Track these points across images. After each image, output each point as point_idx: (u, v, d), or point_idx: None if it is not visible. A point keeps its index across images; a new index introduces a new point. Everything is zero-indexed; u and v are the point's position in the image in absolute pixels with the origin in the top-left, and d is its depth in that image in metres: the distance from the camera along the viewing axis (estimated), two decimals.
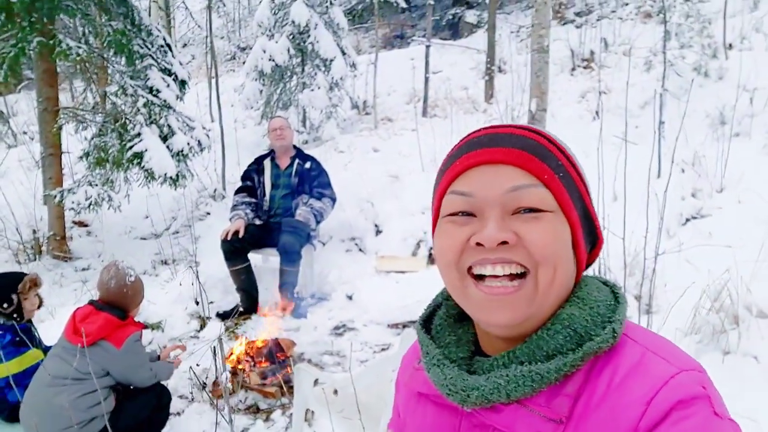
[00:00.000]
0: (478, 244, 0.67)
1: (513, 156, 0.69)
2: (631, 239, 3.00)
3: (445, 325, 0.80)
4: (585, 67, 8.10)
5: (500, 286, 0.67)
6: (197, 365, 3.55)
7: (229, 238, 4.29)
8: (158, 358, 3.04)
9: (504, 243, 0.66)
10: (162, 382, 2.89)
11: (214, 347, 2.88)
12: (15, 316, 2.93)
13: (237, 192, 4.70)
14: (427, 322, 0.84)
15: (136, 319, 2.88)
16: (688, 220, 4.12)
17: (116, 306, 2.72)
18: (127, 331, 2.68)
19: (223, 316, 4.39)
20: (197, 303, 4.42)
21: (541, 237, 0.66)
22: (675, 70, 5.90)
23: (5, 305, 2.90)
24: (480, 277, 0.68)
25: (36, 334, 3.08)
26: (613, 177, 3.52)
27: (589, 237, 0.74)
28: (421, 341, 0.80)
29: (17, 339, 2.87)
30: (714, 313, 2.82)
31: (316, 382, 2.44)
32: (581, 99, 7.10)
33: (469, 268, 0.69)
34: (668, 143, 4.57)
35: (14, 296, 2.92)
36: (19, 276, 3.01)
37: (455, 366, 0.72)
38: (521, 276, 0.67)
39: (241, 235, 4.31)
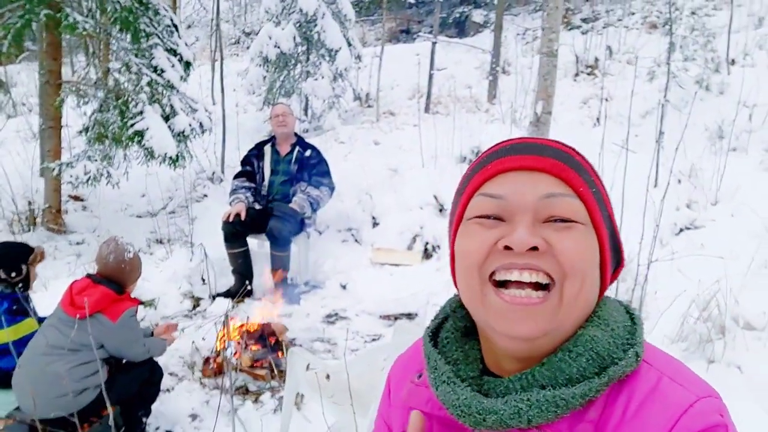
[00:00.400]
0: (506, 247, 0.64)
1: (549, 164, 0.67)
2: (625, 246, 3.04)
3: (453, 339, 0.77)
4: (588, 74, 8.15)
5: (524, 296, 0.64)
6: (203, 339, 3.59)
7: (231, 221, 4.30)
8: (152, 334, 3.07)
9: (534, 249, 0.63)
10: (154, 359, 2.92)
11: (221, 323, 2.92)
12: (20, 285, 2.97)
13: (236, 177, 4.72)
14: (434, 335, 0.80)
15: (132, 295, 2.90)
16: (681, 230, 4.18)
17: (113, 281, 2.74)
18: (123, 306, 2.70)
19: (216, 296, 4.42)
20: (204, 281, 4.44)
21: (572, 247, 0.64)
22: (678, 81, 5.96)
23: (14, 274, 2.93)
24: (502, 284, 0.65)
25: (32, 304, 3.10)
26: (611, 184, 3.56)
27: (614, 257, 0.72)
28: (428, 354, 0.75)
29: (14, 307, 2.89)
30: (702, 322, 2.87)
31: (308, 366, 2.47)
32: (583, 105, 7.15)
33: (491, 275, 0.66)
34: (666, 153, 4.62)
35: (24, 266, 2.96)
36: (26, 247, 3.05)
37: (467, 386, 0.68)
38: (545, 288, 0.64)
39: (243, 217, 4.33)
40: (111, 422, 1.67)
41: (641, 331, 0.68)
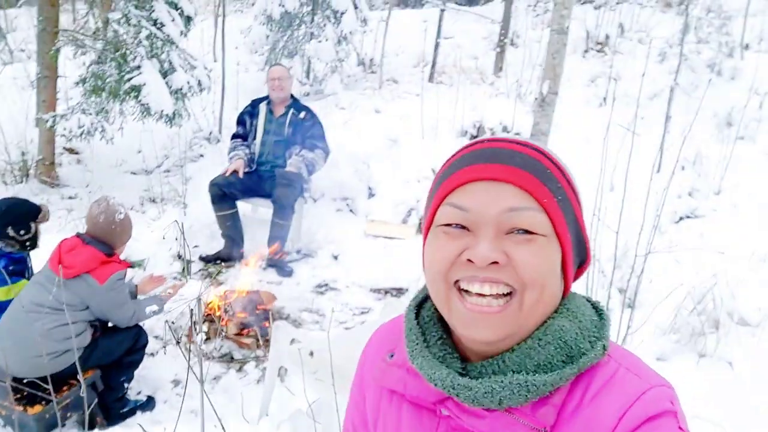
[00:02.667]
0: (469, 260, 0.67)
1: (514, 175, 0.68)
2: (623, 233, 2.98)
3: (434, 318, 0.79)
4: (598, 51, 7.97)
5: (485, 305, 0.67)
6: (173, 322, 3.53)
7: (228, 175, 4.27)
8: (135, 289, 3.03)
9: (494, 263, 0.66)
10: (140, 325, 2.88)
11: (192, 308, 2.87)
12: (28, 244, 2.93)
13: (233, 138, 4.63)
14: (417, 311, 0.82)
15: (121, 257, 2.85)
16: (681, 218, 4.11)
17: (103, 241, 2.70)
18: (112, 268, 2.67)
19: (206, 260, 4.38)
20: (180, 257, 4.35)
21: (530, 260, 0.66)
22: (689, 64, 5.81)
23: (22, 232, 2.88)
24: (465, 291, 0.69)
25: (30, 264, 3.05)
26: (613, 167, 3.48)
27: (578, 256, 0.75)
28: (410, 329, 0.79)
29: (11, 268, 2.85)
30: (695, 315, 2.83)
31: (292, 341, 2.43)
32: (590, 83, 7.00)
33: (456, 281, 0.69)
34: (672, 138, 4.53)
35: (32, 224, 2.92)
36: (34, 205, 3.00)
37: (444, 366, 0.72)
38: (507, 295, 0.67)
39: (241, 175, 4.26)
40: (83, 390, 1.62)
41: (608, 326, 0.72)
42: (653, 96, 6.07)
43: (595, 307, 0.76)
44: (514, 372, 0.67)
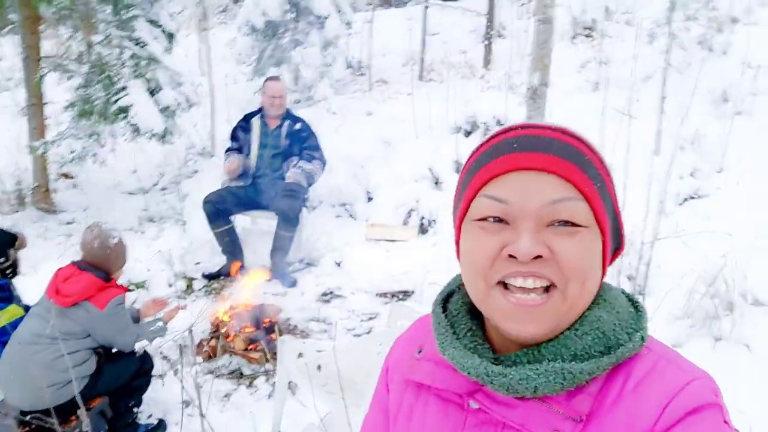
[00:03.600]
0: (510, 256, 0.64)
1: (555, 164, 0.65)
2: (627, 218, 2.94)
3: (462, 312, 0.77)
4: (586, 36, 7.91)
5: (529, 299, 0.65)
6: (189, 332, 3.49)
7: (231, 171, 4.30)
8: (138, 313, 2.99)
9: (538, 257, 0.64)
10: (146, 349, 2.85)
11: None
12: (9, 272, 2.92)
13: (227, 151, 4.59)
14: (443, 306, 0.81)
15: (118, 282, 2.81)
16: (685, 199, 4.06)
17: (99, 267, 2.67)
18: (110, 294, 2.64)
19: (209, 277, 4.34)
20: (183, 276, 4.32)
21: (574, 254, 0.64)
22: (679, 42, 5.75)
23: (2, 260, 2.87)
24: (507, 287, 0.66)
25: (15, 292, 3.02)
26: (612, 152, 3.43)
27: (614, 242, 0.72)
28: (438, 322, 0.77)
29: None
30: (708, 298, 2.78)
31: (299, 355, 2.39)
32: (581, 69, 6.95)
33: (498, 280, 0.67)
34: (668, 118, 4.48)
35: (10, 251, 2.91)
36: (8, 233, 3.00)
37: (476, 355, 0.70)
38: (548, 288, 0.65)
39: (237, 168, 4.30)
40: (86, 424, 1.58)
41: (646, 319, 0.70)
42: (646, 78, 6.01)
43: (631, 300, 0.74)
44: (549, 360, 0.65)
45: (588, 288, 0.66)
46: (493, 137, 0.72)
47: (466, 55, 7.95)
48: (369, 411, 0.92)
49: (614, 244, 0.72)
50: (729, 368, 2.50)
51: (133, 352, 2.77)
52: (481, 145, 0.72)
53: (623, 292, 0.75)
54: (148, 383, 2.85)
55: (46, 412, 2.50)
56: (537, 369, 0.64)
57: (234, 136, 4.57)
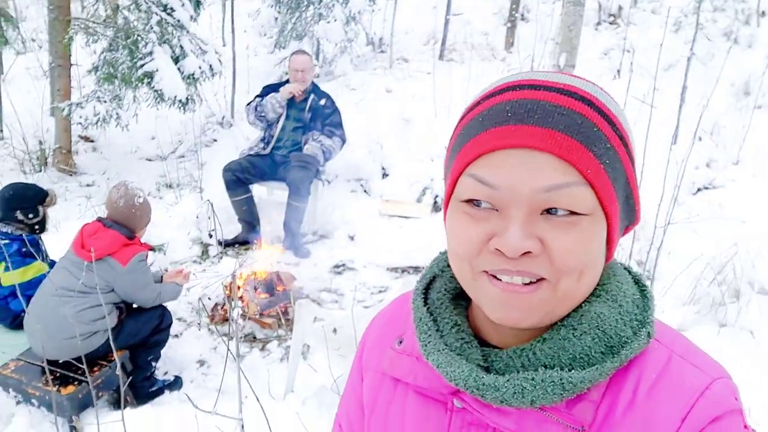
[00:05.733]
0: (497, 249, 0.56)
1: (553, 142, 0.54)
2: (641, 205, 2.97)
3: (445, 300, 0.71)
4: (611, 23, 7.86)
5: (518, 283, 0.57)
6: (208, 298, 3.59)
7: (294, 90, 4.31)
8: (161, 279, 3.07)
9: (527, 253, 0.56)
10: (165, 305, 2.93)
11: (227, 284, 2.91)
12: (37, 228, 3.00)
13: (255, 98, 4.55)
14: (424, 295, 0.73)
15: (141, 240, 2.90)
16: (699, 189, 4.08)
17: (124, 225, 2.76)
18: (133, 250, 2.72)
19: (225, 244, 4.42)
20: (210, 236, 4.41)
21: (570, 249, 0.56)
22: (705, 33, 5.72)
23: (30, 215, 2.95)
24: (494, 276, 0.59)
25: (43, 247, 3.11)
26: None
27: (626, 219, 0.63)
28: (419, 317, 0.69)
29: (24, 249, 2.90)
30: (716, 285, 2.82)
31: (315, 319, 2.47)
32: (604, 56, 6.92)
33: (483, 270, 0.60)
34: (688, 108, 4.48)
35: (40, 208, 2.99)
36: (41, 189, 3.06)
37: (463, 359, 0.63)
38: (539, 279, 0.58)
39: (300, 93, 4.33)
40: (117, 366, 1.67)
41: (652, 308, 0.63)
42: (669, 67, 5.99)
43: (637, 281, 0.66)
44: (546, 366, 0.59)
45: (585, 280, 0.59)
46: (486, 96, 0.61)
47: (488, 37, 7.93)
48: (344, 392, 0.85)
49: (626, 220, 0.64)
50: (732, 354, 2.55)
51: (152, 309, 2.87)
52: (475, 105, 0.62)
53: (629, 271, 0.69)
54: (166, 339, 2.95)
55: (68, 363, 2.60)
56: (533, 380, 0.58)
57: (262, 95, 4.54)
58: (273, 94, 4.39)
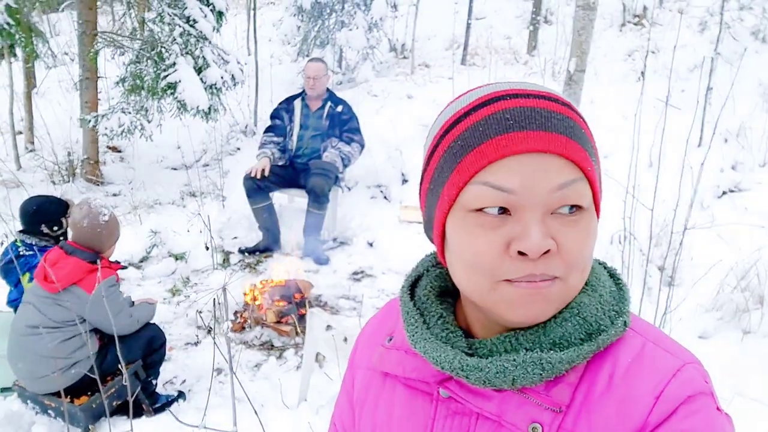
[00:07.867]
0: (520, 252, 0.57)
1: (559, 145, 0.58)
2: (662, 209, 2.91)
3: (431, 296, 0.73)
4: (636, 24, 7.74)
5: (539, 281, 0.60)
6: (203, 311, 3.61)
7: (256, 176, 4.30)
8: (132, 303, 2.87)
9: (546, 252, 0.58)
10: (155, 324, 2.85)
11: (217, 297, 2.89)
12: (62, 239, 3.03)
13: (265, 131, 4.69)
14: (411, 292, 0.76)
15: (111, 260, 2.75)
16: (724, 192, 3.98)
17: (88, 248, 2.59)
18: (102, 275, 2.51)
19: (245, 252, 4.47)
20: (207, 248, 4.42)
21: (577, 244, 0.59)
22: (731, 33, 5.59)
23: (55, 228, 3.00)
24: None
25: None
26: (651, 142, 3.39)
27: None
28: (407, 311, 0.72)
29: None
30: (739, 291, 2.74)
31: (327, 327, 2.47)
32: (627, 57, 6.81)
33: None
34: (714, 110, 4.38)
35: (63, 220, 3.02)
36: (61, 201, 3.08)
37: (448, 346, 0.66)
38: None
39: (266, 174, 4.31)
40: (125, 378, 1.69)
41: (628, 298, 0.67)
42: (693, 67, 5.86)
43: (612, 275, 0.70)
44: (527, 350, 0.61)
45: (585, 273, 0.62)
46: (473, 108, 0.62)
47: (510, 41, 7.89)
48: (339, 393, 0.89)
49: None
50: (756, 362, 2.48)
51: (138, 334, 2.72)
52: (461, 118, 0.62)
53: (603, 266, 0.72)
54: (162, 357, 2.84)
55: (58, 394, 2.49)
56: (514, 360, 0.60)
57: (275, 116, 4.65)
58: (263, 150, 4.48)
